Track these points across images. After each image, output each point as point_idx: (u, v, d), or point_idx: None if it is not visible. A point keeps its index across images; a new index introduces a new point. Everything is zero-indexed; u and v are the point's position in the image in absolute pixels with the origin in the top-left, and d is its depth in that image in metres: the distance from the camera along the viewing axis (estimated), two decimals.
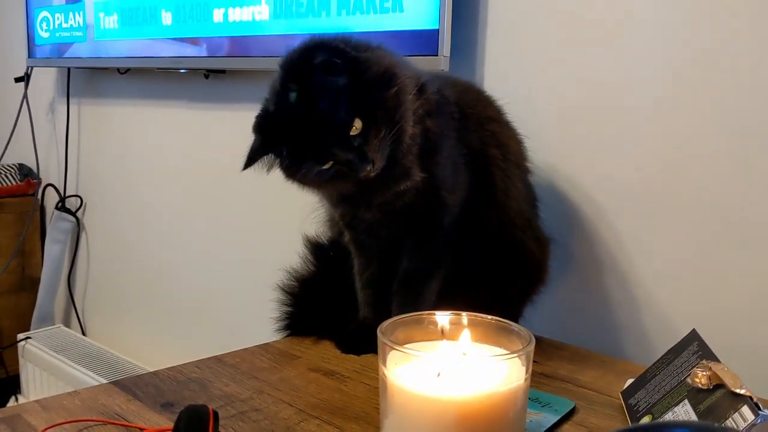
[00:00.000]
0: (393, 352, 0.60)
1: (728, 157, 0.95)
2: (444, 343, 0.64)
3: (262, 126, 0.81)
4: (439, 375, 0.59)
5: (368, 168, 0.78)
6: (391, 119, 0.79)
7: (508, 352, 0.62)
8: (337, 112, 0.76)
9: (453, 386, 0.58)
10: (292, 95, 0.78)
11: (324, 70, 0.76)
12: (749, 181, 0.94)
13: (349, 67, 0.77)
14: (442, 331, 0.65)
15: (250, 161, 0.81)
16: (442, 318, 0.65)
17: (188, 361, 0.90)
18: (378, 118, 0.78)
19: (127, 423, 0.73)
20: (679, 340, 0.79)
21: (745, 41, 0.93)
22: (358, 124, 0.77)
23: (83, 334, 2.25)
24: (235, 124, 1.67)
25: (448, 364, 0.60)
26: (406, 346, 0.62)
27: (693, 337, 0.77)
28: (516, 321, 1.00)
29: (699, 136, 0.98)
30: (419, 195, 0.86)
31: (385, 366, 0.60)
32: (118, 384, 0.83)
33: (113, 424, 0.72)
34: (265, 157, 0.81)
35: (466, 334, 0.64)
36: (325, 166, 0.79)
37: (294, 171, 0.80)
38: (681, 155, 1.00)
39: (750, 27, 0.92)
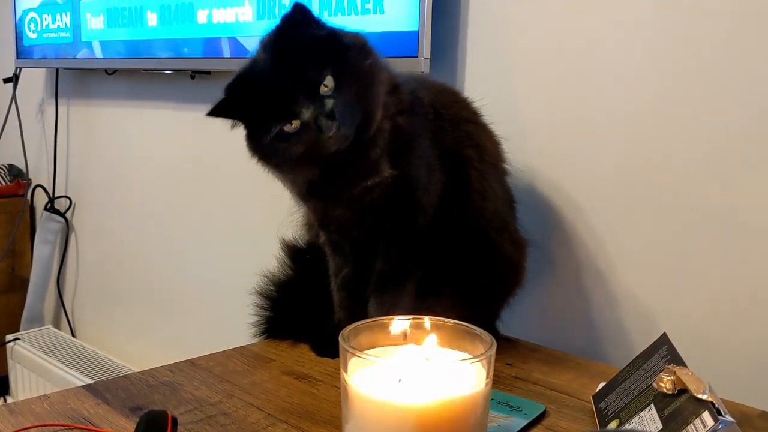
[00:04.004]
0: (354, 357, 0.60)
1: (707, 158, 0.95)
2: (406, 348, 0.63)
3: (231, 87, 0.79)
4: (400, 380, 0.59)
5: (334, 129, 0.75)
6: (363, 91, 0.77)
7: (470, 356, 0.61)
8: (309, 66, 0.74)
9: (413, 392, 0.58)
10: (265, 53, 0.76)
11: (301, 24, 0.75)
12: (728, 182, 0.93)
13: (326, 31, 0.76)
14: (405, 335, 0.64)
15: (214, 112, 0.79)
16: (405, 322, 0.65)
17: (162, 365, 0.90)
18: (350, 83, 0.76)
19: (93, 428, 0.72)
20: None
21: (725, 44, 0.93)
22: (329, 82, 0.74)
23: (72, 335, 2.24)
24: (221, 124, 1.67)
25: (409, 369, 0.60)
26: (368, 351, 0.61)
27: (663, 341, 0.76)
28: (493, 323, 1.01)
29: (679, 137, 0.97)
30: (390, 193, 0.85)
31: (346, 372, 0.60)
32: (89, 388, 0.83)
33: (79, 428, 0.72)
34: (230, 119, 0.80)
35: (428, 338, 0.63)
36: (291, 127, 0.75)
37: (259, 136, 0.78)
38: (661, 156, 0.99)
39: (732, 30, 0.92)
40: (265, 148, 0.79)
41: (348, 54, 0.77)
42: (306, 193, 0.89)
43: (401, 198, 0.87)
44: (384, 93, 0.81)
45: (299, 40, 0.76)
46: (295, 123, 0.76)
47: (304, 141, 0.77)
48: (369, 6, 1.23)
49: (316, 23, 0.78)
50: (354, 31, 0.83)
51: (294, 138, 0.77)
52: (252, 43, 1.44)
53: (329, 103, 0.75)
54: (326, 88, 0.75)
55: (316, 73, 0.74)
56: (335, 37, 0.77)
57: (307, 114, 0.75)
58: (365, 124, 0.79)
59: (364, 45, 0.80)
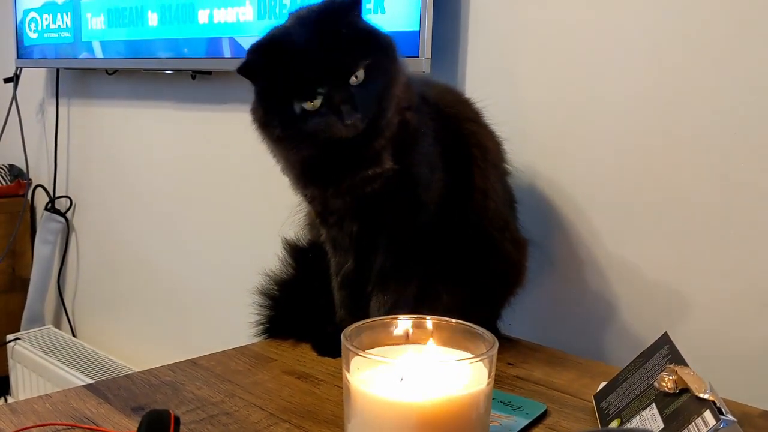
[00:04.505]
0: (356, 357, 0.60)
1: (708, 157, 0.95)
2: (408, 348, 0.64)
3: (262, 49, 0.79)
4: (402, 380, 0.59)
5: (353, 119, 0.77)
6: (384, 91, 0.79)
7: (472, 355, 0.61)
8: (347, 54, 0.76)
9: (414, 391, 0.58)
10: (303, 27, 0.78)
11: (348, 11, 0.78)
12: (729, 181, 0.94)
13: (368, 28, 0.80)
14: (407, 335, 0.64)
15: (242, 70, 0.79)
16: (407, 322, 0.65)
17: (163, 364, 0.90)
18: (377, 81, 0.78)
19: (95, 427, 0.73)
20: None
21: (726, 46, 0.93)
22: (361, 74, 0.77)
23: (73, 335, 2.25)
24: (222, 124, 1.67)
25: (411, 368, 0.60)
26: (370, 350, 0.62)
27: (664, 340, 0.77)
28: (494, 323, 1.01)
29: (680, 136, 0.98)
30: (391, 187, 0.85)
31: (348, 371, 0.60)
32: (90, 387, 0.83)
33: (81, 428, 0.72)
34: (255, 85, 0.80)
35: (430, 338, 0.63)
36: (310, 105, 0.77)
37: (272, 105, 0.79)
38: (662, 156, 0.99)
39: (732, 31, 0.92)
40: (273, 118, 0.80)
41: (382, 55, 0.80)
42: (302, 175, 0.88)
43: (402, 193, 0.87)
44: (399, 92, 0.83)
45: (343, 27, 0.78)
46: (316, 102, 0.77)
47: (318, 122, 0.78)
48: (370, 6, 1.23)
49: (360, 16, 0.80)
50: (385, 32, 0.85)
51: (309, 116, 0.78)
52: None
53: (355, 93, 0.77)
54: (356, 79, 0.77)
55: (351, 62, 0.77)
56: (375, 35, 0.81)
57: (332, 97, 0.77)
58: (376, 118, 0.81)
59: (395, 49, 0.83)
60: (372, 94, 0.79)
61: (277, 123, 0.80)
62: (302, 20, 0.81)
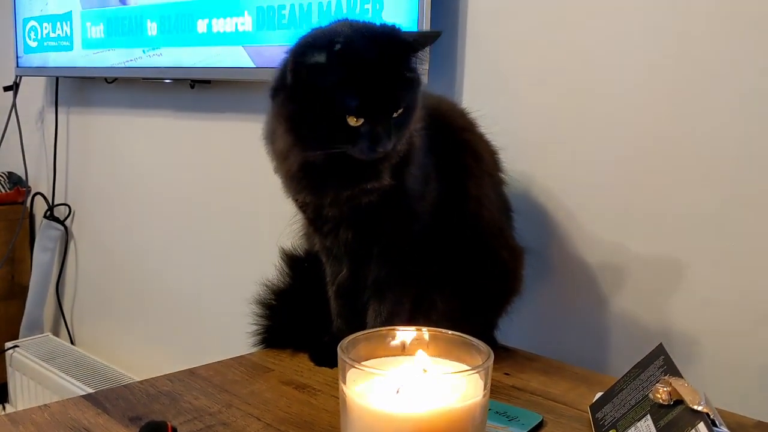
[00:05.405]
0: (353, 369, 0.60)
1: (703, 166, 0.96)
2: (405, 359, 0.64)
3: (334, 50, 0.78)
4: (398, 392, 0.60)
5: (387, 148, 0.80)
6: (408, 127, 0.84)
7: (468, 368, 0.62)
8: (399, 90, 0.80)
9: (410, 403, 0.58)
10: (372, 48, 0.79)
11: (414, 54, 0.81)
12: (725, 190, 0.94)
13: (419, 73, 0.83)
14: (403, 346, 0.65)
15: (303, 64, 0.78)
16: (403, 333, 0.65)
17: (161, 374, 0.90)
18: (406, 119, 0.82)
19: None
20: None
21: (719, 57, 0.94)
22: (401, 111, 0.80)
23: (72, 342, 2.25)
24: (220, 133, 1.68)
25: (407, 380, 0.60)
26: (366, 362, 0.62)
27: (659, 351, 0.77)
28: (491, 332, 1.01)
29: (676, 144, 0.98)
30: (388, 200, 0.86)
31: (345, 383, 0.61)
32: (89, 397, 0.83)
33: None
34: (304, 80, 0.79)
35: (426, 350, 0.64)
36: (354, 121, 0.78)
37: (310, 98, 0.79)
38: (656, 164, 1.00)
39: (725, 42, 0.93)
40: (303, 115, 0.80)
41: (416, 97, 0.84)
42: (298, 179, 0.87)
43: (397, 204, 0.88)
44: (414, 126, 0.87)
45: (406, 66, 0.81)
46: (360, 121, 0.78)
47: (350, 140, 0.79)
48: (368, 6, 1.23)
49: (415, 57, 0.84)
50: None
51: (342, 129, 0.79)
52: (252, 53, 1.46)
53: (392, 126, 0.80)
54: (396, 115, 0.80)
55: (401, 99, 0.81)
56: (419, 79, 0.84)
57: (376, 123, 0.79)
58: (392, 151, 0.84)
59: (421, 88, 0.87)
60: (401, 130, 0.82)
61: (304, 119, 0.81)
62: (369, 41, 0.80)
